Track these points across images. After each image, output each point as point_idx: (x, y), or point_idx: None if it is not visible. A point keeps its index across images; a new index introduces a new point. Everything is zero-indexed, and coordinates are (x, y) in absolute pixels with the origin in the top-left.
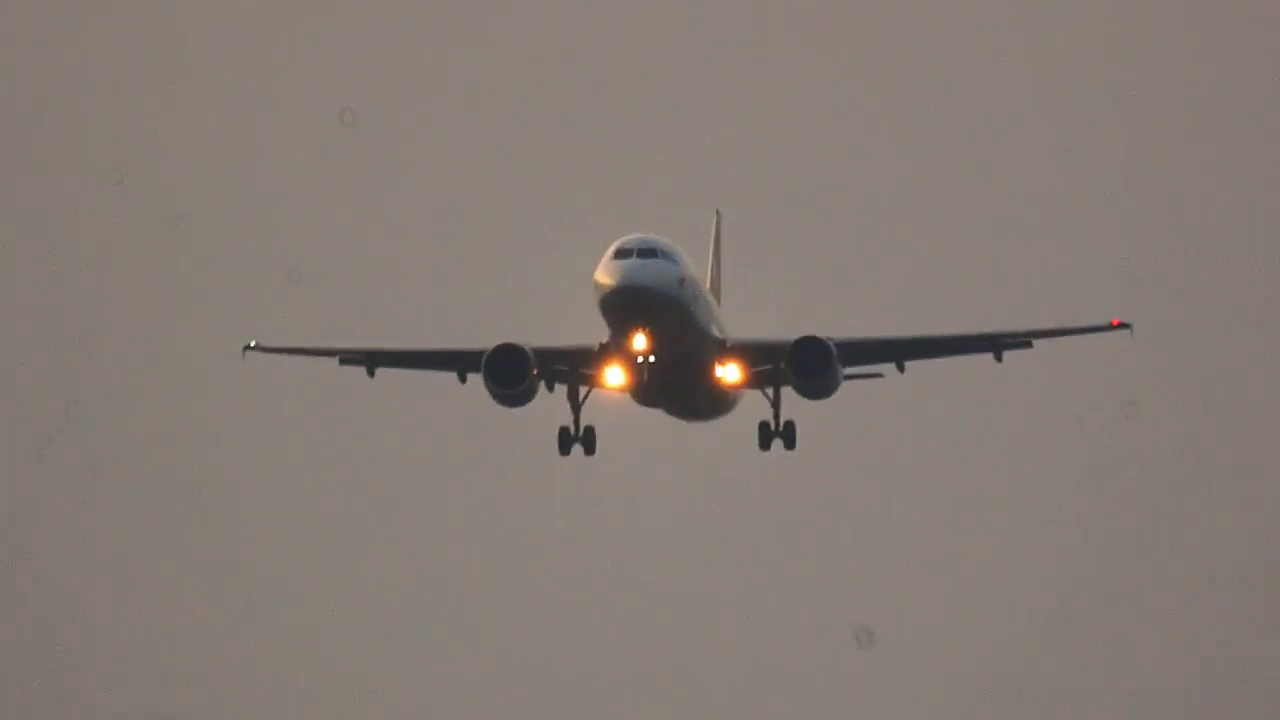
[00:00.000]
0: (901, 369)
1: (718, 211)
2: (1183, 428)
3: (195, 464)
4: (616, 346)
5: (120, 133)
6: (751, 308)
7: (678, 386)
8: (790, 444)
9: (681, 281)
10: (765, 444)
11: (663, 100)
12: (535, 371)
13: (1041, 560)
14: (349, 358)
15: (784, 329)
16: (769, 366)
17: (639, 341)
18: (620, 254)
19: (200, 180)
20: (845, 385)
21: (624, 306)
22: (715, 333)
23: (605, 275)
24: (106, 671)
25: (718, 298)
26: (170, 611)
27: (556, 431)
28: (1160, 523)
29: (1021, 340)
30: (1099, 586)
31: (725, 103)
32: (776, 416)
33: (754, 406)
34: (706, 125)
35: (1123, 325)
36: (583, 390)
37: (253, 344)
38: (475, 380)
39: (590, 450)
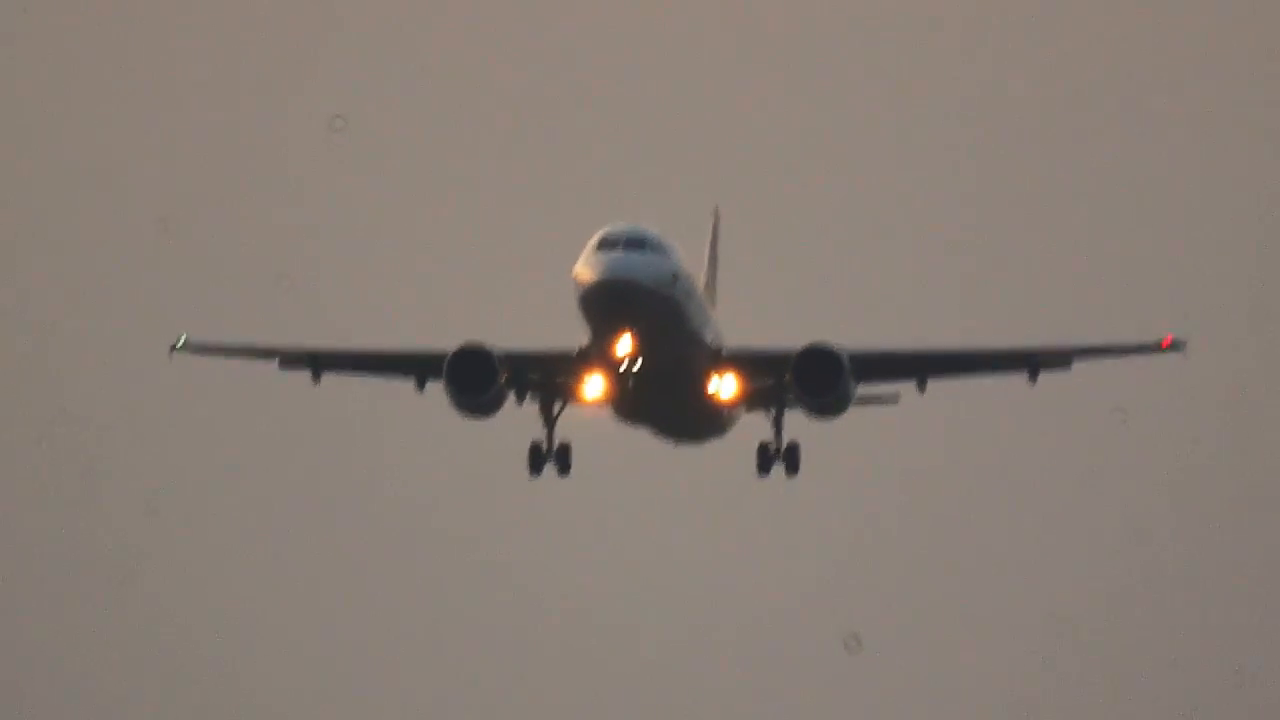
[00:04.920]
0: (922, 388)
1: (716, 208)
2: (1241, 464)
3: (108, 480)
4: (597, 351)
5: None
6: (751, 315)
7: (666, 400)
8: (793, 469)
9: (674, 278)
10: (764, 468)
11: (656, 84)
12: (504, 377)
13: (1074, 609)
14: (291, 359)
15: (787, 339)
16: (771, 380)
17: (623, 345)
18: (605, 245)
19: (135, 166)
20: (856, 410)
21: (607, 304)
22: (710, 340)
23: (587, 269)
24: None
25: (713, 303)
26: (94, 639)
27: (527, 448)
28: (1211, 574)
29: (1059, 358)
30: (1137, 640)
31: (725, 88)
32: (778, 438)
33: (752, 427)
34: (704, 113)
35: (1174, 346)
36: (558, 403)
37: (182, 342)
38: (434, 388)
39: (565, 470)
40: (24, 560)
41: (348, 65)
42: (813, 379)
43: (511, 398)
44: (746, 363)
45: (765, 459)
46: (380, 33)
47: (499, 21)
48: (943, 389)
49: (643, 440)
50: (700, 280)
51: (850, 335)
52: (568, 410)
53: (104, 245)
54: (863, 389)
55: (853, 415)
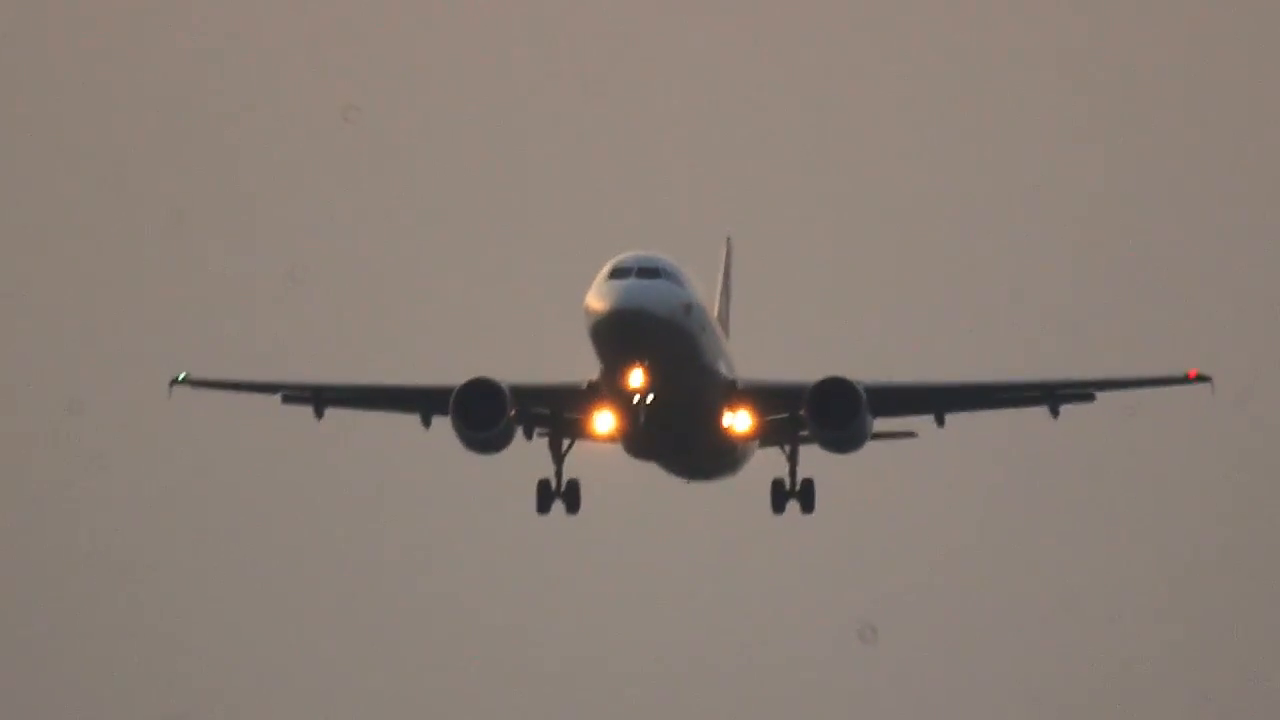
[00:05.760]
0: (941, 422)
1: (728, 238)
2: (1274, 500)
3: (103, 519)
4: (608, 384)
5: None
6: (765, 348)
7: (679, 435)
8: (808, 506)
9: (688, 308)
10: (779, 506)
11: (668, 112)
12: (512, 412)
13: (1099, 648)
14: (293, 394)
15: (801, 372)
16: (785, 414)
17: (635, 377)
18: (617, 273)
19: (128, 187)
20: (872, 446)
21: (619, 334)
22: (724, 372)
23: (598, 298)
24: None
25: (726, 335)
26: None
27: (535, 485)
28: (1244, 617)
29: (1082, 392)
30: (1163, 677)
31: (737, 114)
32: (793, 474)
33: (766, 463)
34: (716, 140)
35: (1201, 378)
36: (567, 438)
37: (182, 377)
38: (441, 424)
39: (573, 508)
40: (22, 590)
41: (355, 99)
42: (829, 413)
43: (520, 433)
44: (761, 396)
45: (780, 496)
46: (388, 64)
47: (509, 51)
48: (961, 423)
49: (654, 477)
50: (712, 312)
51: (866, 368)
52: (577, 446)
53: (104, 277)
54: (879, 424)
55: (869, 451)
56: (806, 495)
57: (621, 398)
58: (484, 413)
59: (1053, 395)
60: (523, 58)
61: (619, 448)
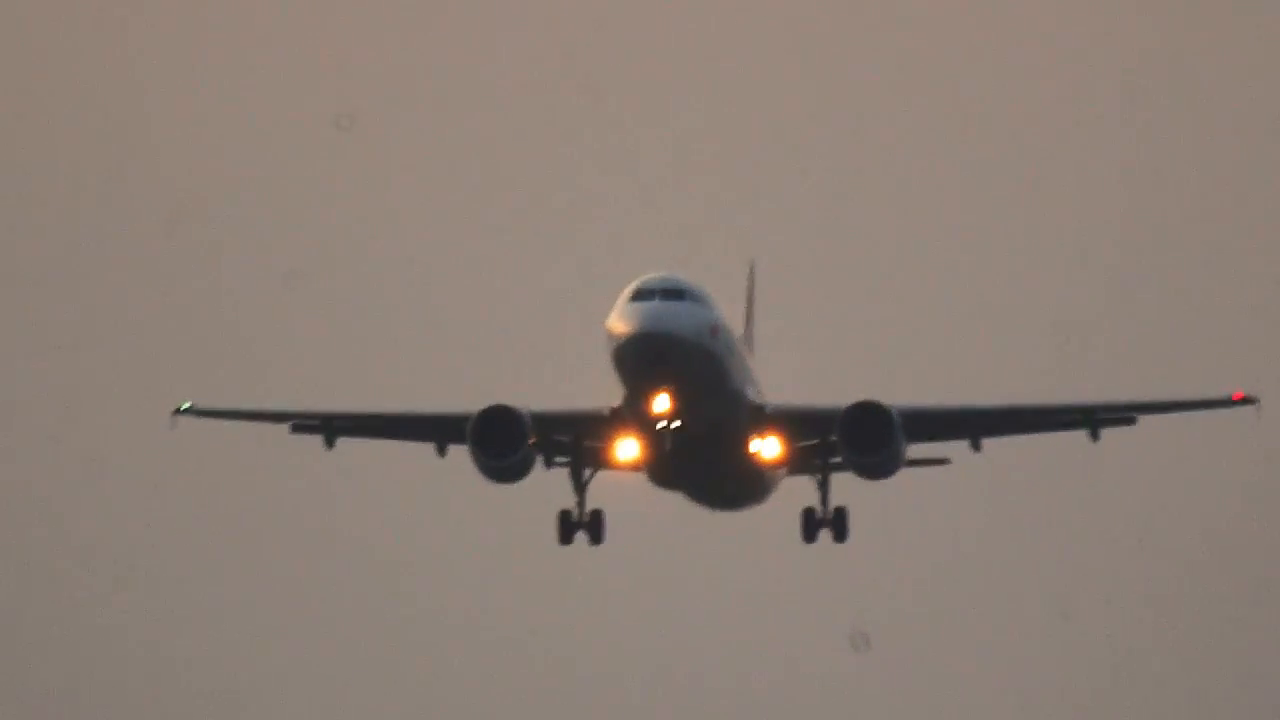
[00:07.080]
0: (977, 447)
1: (752, 261)
2: None
3: (103, 557)
4: (632, 410)
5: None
6: (793, 372)
7: (705, 462)
8: (840, 535)
9: (714, 330)
10: (810, 535)
11: (690, 131)
12: (532, 440)
13: (1141, 685)
14: (303, 423)
15: (832, 397)
16: (816, 440)
17: (660, 403)
18: (640, 295)
19: (131, 212)
20: (905, 472)
21: (643, 358)
22: (752, 397)
23: (621, 321)
24: None
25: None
26: None
27: (556, 516)
28: None
29: (1123, 415)
30: (1204, 706)
31: (761, 134)
32: (824, 502)
33: (796, 491)
34: (740, 160)
35: (1247, 400)
36: (589, 467)
37: (185, 406)
38: (457, 453)
39: (596, 539)
40: (24, 623)
41: (366, 126)
42: (862, 437)
43: (540, 462)
44: (791, 422)
45: (811, 525)
46: (405, 88)
47: (530, 72)
48: (998, 448)
49: (679, 507)
50: (738, 335)
51: (899, 392)
52: (599, 475)
53: (106, 303)
54: (913, 450)
55: (903, 477)
56: (839, 524)
57: (645, 424)
58: (503, 440)
59: (1093, 418)
60: (544, 78)
61: (642, 476)
